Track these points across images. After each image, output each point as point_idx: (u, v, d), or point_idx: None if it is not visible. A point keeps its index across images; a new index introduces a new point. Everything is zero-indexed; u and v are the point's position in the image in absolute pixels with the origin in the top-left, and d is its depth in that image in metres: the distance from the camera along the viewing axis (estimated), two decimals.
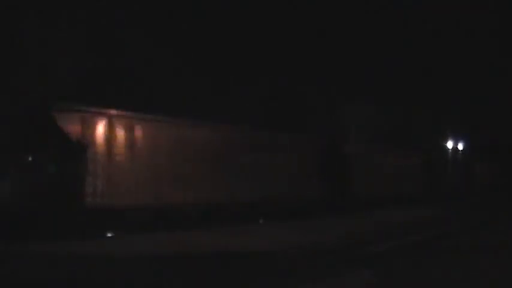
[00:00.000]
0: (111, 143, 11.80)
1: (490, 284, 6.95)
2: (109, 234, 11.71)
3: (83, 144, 11.18)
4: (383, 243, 10.87)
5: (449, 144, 34.16)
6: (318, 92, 26.34)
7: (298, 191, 16.89)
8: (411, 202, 23.30)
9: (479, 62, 38.11)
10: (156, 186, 12.58)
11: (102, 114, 11.80)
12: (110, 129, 11.81)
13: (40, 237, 9.73)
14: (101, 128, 11.67)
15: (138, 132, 12.44)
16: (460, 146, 35.29)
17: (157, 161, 12.74)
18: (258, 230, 12.60)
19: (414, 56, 34.12)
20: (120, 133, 12.00)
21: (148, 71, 19.76)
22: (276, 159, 16.30)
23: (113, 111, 12.11)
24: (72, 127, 11.17)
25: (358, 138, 25.16)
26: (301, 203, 16.98)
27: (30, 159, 10.75)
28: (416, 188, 26.16)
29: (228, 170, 14.61)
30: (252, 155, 15.39)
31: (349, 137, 25.28)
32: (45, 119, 11.00)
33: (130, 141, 12.19)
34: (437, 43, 36.28)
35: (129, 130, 12.21)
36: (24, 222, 10.14)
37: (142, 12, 20.16)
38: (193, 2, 22.81)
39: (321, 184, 17.88)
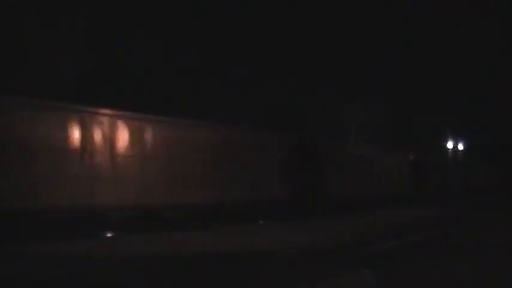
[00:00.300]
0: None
1: (490, 284, 6.95)
2: (109, 234, 11.69)
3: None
4: (382, 243, 10.87)
5: (449, 144, 34.17)
6: (318, 92, 26.36)
7: (265, 192, 16.10)
8: (401, 203, 22.67)
9: (479, 62, 38.12)
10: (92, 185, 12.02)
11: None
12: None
13: (40, 238, 9.72)
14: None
15: (74, 128, 11.94)
16: (460, 146, 35.30)
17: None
18: (257, 230, 12.60)
19: (414, 56, 34.13)
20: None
21: (148, 71, 19.77)
22: (251, 159, 15.80)
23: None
24: None
25: (358, 138, 25.14)
26: (272, 204, 16.25)
27: None
28: (407, 189, 25.75)
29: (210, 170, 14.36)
30: (221, 154, 14.92)
31: (349, 137, 25.27)
32: None
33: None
34: (437, 43, 36.28)
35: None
36: None
37: (142, 12, 20.17)
38: (193, 2, 22.82)
39: (291, 184, 16.95)
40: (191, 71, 21.54)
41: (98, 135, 12.32)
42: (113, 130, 12.67)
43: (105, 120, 12.50)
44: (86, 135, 12.07)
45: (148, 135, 13.32)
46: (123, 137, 12.87)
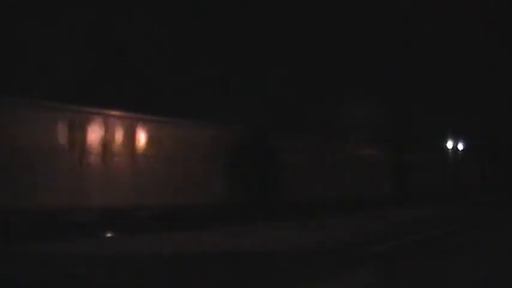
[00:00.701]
0: None
1: (490, 284, 6.95)
2: (109, 234, 11.69)
3: None
4: (383, 243, 10.87)
5: (449, 144, 34.18)
6: (317, 92, 26.38)
7: (202, 194, 14.43)
8: (380, 205, 20.91)
9: (479, 62, 38.13)
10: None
11: None
12: None
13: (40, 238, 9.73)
14: None
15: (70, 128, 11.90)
16: (460, 146, 35.31)
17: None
18: (257, 230, 12.60)
19: (414, 56, 34.14)
20: None
21: (148, 71, 19.79)
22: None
23: None
24: None
25: (358, 138, 25.09)
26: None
27: None
28: (391, 189, 23.95)
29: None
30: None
31: (350, 137, 25.22)
32: None
33: None
34: (437, 43, 36.32)
35: None
36: None
37: (142, 12, 20.19)
38: (193, 2, 22.83)
39: (233, 185, 15.15)
40: (191, 71, 21.55)
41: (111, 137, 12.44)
42: (132, 131, 12.82)
43: (122, 122, 12.61)
44: (85, 136, 12.12)
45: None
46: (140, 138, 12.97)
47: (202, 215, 14.14)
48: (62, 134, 11.74)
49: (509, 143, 40.90)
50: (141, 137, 13.42)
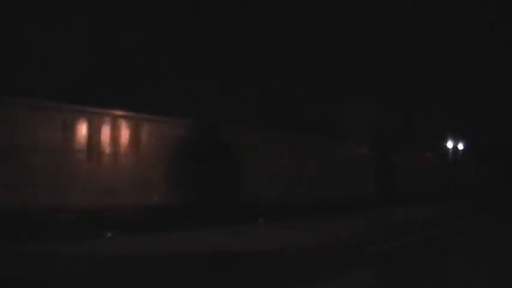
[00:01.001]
0: None
1: (490, 284, 6.95)
2: (108, 234, 11.68)
3: None
4: (383, 243, 10.87)
5: (449, 144, 34.19)
6: (316, 92, 26.38)
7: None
8: (377, 205, 20.27)
9: (479, 62, 38.16)
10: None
11: None
12: None
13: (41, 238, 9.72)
14: None
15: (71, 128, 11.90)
16: (460, 146, 35.33)
17: None
18: (257, 230, 12.61)
19: (414, 56, 34.17)
20: None
21: (148, 71, 19.79)
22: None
23: None
24: None
25: (359, 139, 25.04)
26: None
27: None
28: (386, 190, 23.05)
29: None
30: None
31: (348, 136, 25.16)
32: None
33: None
34: (437, 43, 36.32)
35: None
36: None
37: (142, 12, 20.19)
38: (193, 2, 22.83)
39: (186, 185, 13.92)
40: (191, 71, 21.55)
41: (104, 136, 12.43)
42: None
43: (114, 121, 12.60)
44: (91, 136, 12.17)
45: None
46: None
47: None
48: (62, 134, 11.75)
49: (509, 143, 40.91)
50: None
